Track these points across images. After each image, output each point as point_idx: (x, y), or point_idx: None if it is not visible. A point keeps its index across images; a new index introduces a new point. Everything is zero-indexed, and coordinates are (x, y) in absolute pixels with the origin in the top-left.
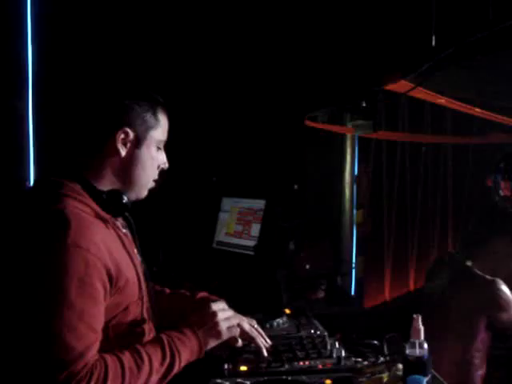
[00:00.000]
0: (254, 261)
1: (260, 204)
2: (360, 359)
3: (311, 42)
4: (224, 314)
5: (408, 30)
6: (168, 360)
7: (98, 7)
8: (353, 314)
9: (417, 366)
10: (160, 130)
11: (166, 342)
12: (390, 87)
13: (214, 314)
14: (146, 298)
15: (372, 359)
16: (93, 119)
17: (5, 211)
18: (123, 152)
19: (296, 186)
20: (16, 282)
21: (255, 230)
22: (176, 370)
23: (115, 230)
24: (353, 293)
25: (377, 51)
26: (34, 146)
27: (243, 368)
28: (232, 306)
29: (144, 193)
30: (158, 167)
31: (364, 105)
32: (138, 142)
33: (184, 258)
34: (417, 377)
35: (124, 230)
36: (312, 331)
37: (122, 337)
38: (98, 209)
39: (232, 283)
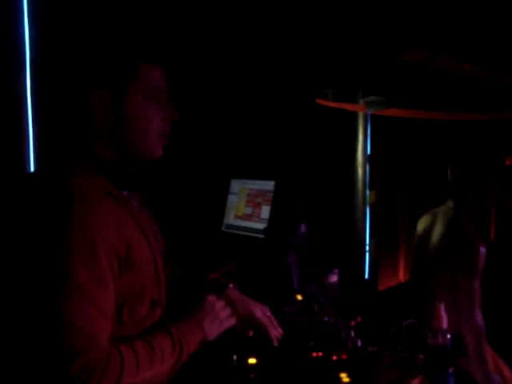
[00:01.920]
0: (265, 244)
1: (269, 185)
2: (377, 349)
3: (321, 14)
4: (220, 303)
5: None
6: (177, 352)
7: None
8: (367, 298)
9: (439, 356)
10: (143, 79)
11: (175, 333)
12: (406, 57)
13: (213, 304)
14: (163, 279)
15: (390, 349)
16: (69, 91)
17: (8, 195)
18: (105, 116)
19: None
20: (22, 268)
21: (265, 212)
22: (182, 361)
23: (127, 207)
24: (367, 275)
25: (391, 18)
26: (33, 128)
27: (252, 361)
28: (242, 291)
29: (155, 151)
30: (164, 119)
31: (376, 79)
32: (116, 100)
33: (193, 241)
34: (441, 374)
35: (136, 205)
36: (326, 319)
37: (139, 322)
38: (108, 185)
39: (242, 268)
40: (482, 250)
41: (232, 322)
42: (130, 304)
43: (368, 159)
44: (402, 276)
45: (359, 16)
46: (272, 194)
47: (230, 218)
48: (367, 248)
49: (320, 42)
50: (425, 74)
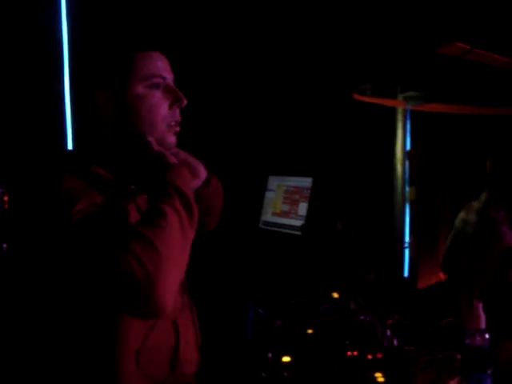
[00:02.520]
0: (302, 241)
1: (307, 182)
2: (414, 348)
3: (359, 7)
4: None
5: None
6: (175, 195)
7: None
8: (406, 296)
9: (477, 357)
10: (140, 69)
11: (160, 188)
12: (445, 51)
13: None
14: None
15: (427, 348)
16: (76, 91)
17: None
18: (110, 113)
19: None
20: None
21: (302, 209)
22: (190, 199)
23: (129, 197)
24: (406, 273)
25: (429, 10)
26: (72, 127)
27: (286, 359)
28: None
29: (165, 140)
30: (170, 106)
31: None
32: (119, 96)
33: (230, 238)
34: (479, 375)
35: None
36: (362, 317)
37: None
38: (107, 175)
39: (279, 265)
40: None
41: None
42: None
43: (407, 155)
44: (442, 274)
45: (395, 9)
46: (309, 191)
47: (268, 215)
48: (407, 245)
49: (357, 36)
50: (463, 68)
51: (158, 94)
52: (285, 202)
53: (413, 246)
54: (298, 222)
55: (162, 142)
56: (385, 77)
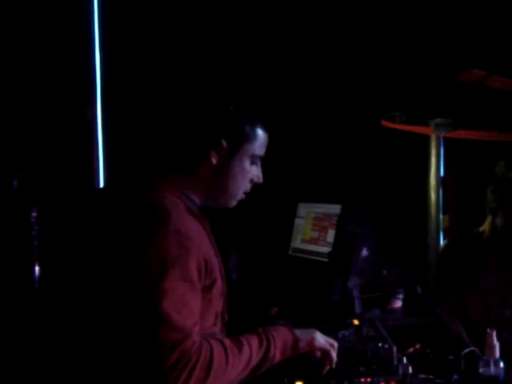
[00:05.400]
0: (328, 268)
1: (336, 209)
2: (431, 376)
3: (384, 38)
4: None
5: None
6: (264, 347)
7: (166, 13)
8: (433, 325)
9: None
10: (256, 145)
11: (261, 331)
12: (464, 78)
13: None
14: (226, 295)
15: (445, 377)
16: (192, 129)
17: (85, 210)
18: (215, 162)
19: (373, 188)
20: (122, 273)
21: (331, 236)
22: (271, 359)
23: (204, 227)
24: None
25: (450, 40)
26: (103, 152)
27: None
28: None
29: (232, 203)
30: (251, 181)
31: (441, 101)
32: (231, 153)
33: (261, 265)
34: None
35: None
36: (379, 344)
37: (204, 333)
38: (190, 203)
39: (303, 292)
40: None
41: (327, 349)
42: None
43: (441, 182)
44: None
45: (422, 37)
46: (337, 218)
47: (297, 242)
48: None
49: (382, 64)
50: (492, 94)
51: (250, 169)
52: (314, 229)
53: None
54: (327, 249)
55: (227, 206)
56: (413, 104)
